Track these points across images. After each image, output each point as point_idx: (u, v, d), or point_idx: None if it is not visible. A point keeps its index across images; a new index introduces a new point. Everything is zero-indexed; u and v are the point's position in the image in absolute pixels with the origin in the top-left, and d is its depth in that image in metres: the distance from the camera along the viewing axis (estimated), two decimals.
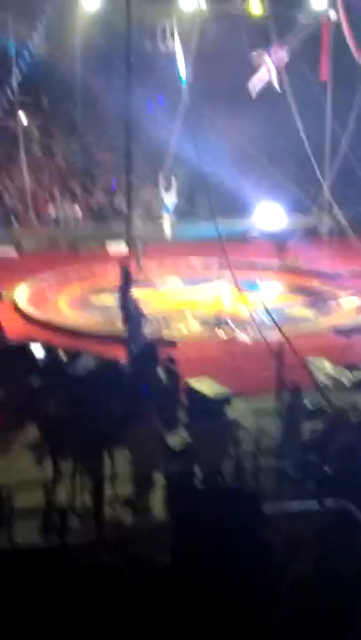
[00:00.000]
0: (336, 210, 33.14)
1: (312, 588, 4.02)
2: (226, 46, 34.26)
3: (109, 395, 15.50)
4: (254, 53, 32.18)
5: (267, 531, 4.37)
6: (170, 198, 32.96)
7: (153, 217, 35.40)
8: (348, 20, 30.78)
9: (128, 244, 24.96)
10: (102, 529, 13.40)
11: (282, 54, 32.12)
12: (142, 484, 14.59)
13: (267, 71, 32.20)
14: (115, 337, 23.11)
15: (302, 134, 34.07)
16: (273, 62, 32.23)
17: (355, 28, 30.92)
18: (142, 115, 32.26)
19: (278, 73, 32.45)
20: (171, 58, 32.59)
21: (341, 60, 31.60)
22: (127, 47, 20.17)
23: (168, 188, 32.88)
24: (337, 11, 30.97)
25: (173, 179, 33.09)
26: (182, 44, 31.77)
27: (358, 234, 32.60)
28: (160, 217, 33.43)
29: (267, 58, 32.18)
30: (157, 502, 14.50)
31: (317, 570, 3.97)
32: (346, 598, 3.87)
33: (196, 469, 14.58)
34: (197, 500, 4.72)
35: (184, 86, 30.55)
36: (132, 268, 23.63)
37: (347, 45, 31.09)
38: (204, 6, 31.56)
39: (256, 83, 32.39)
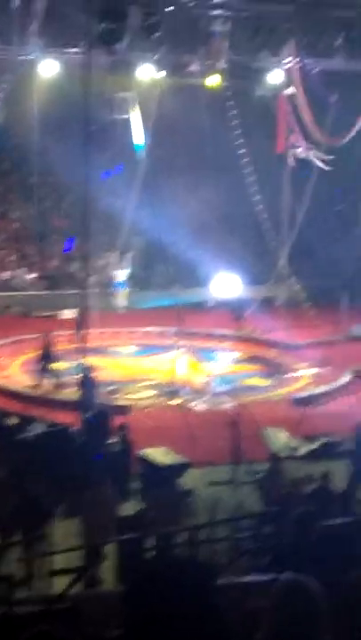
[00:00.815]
0: (293, 281, 33.22)
1: None
2: (185, 117, 34.48)
3: (60, 461, 15.16)
4: (291, 158, 32.84)
5: (221, 603, 4.17)
6: (123, 274, 33.07)
7: (109, 284, 35.32)
8: (305, 94, 31.16)
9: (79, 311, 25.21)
10: (51, 599, 12.91)
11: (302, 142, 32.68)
12: (93, 553, 14.15)
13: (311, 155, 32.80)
14: (68, 403, 22.75)
15: (260, 206, 34.23)
16: (304, 148, 32.77)
17: (311, 103, 31.28)
18: (100, 182, 32.31)
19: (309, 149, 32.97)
20: (129, 126, 32.73)
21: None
22: (85, 114, 20.13)
23: (122, 265, 32.95)
24: (294, 85, 31.36)
25: (128, 255, 33.16)
26: (141, 114, 31.90)
27: (314, 305, 32.62)
28: (112, 291, 33.44)
29: (298, 151, 32.73)
30: (108, 572, 14.07)
31: None
32: None
33: (149, 540, 14.18)
34: (149, 572, 4.48)
35: (141, 155, 30.60)
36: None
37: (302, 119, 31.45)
38: (163, 77, 31.74)
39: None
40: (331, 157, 32.97)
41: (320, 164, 32.94)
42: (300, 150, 32.88)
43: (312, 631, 3.78)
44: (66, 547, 13.95)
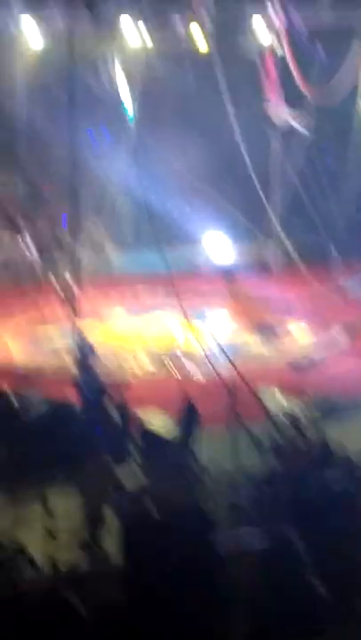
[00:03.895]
0: (284, 238, 33.00)
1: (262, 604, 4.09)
2: (171, 79, 34.14)
3: (62, 437, 15.16)
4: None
5: (220, 551, 4.35)
6: None
7: (97, 248, 35.18)
8: (292, 51, 30.84)
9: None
10: (57, 569, 13.01)
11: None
12: (94, 523, 14.21)
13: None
14: (64, 375, 22.45)
15: (248, 162, 33.85)
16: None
17: (298, 59, 31.00)
18: (87, 147, 32.05)
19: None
20: (116, 93, 32.44)
21: (286, 88, 31.60)
22: (70, 78, 19.90)
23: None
24: (281, 44, 31.04)
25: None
26: (128, 80, 31.57)
27: (306, 263, 32.41)
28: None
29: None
30: (110, 542, 14.14)
31: (264, 586, 4.06)
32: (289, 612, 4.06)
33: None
34: (154, 527, 4.58)
35: (130, 121, 30.31)
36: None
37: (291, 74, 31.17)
38: (149, 42, 31.34)
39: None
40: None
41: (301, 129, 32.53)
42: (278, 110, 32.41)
43: (296, 577, 4.04)
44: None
